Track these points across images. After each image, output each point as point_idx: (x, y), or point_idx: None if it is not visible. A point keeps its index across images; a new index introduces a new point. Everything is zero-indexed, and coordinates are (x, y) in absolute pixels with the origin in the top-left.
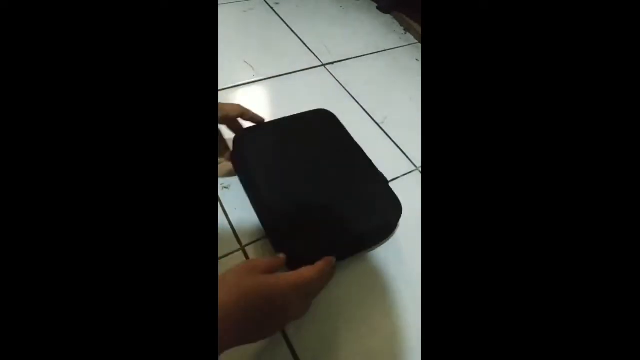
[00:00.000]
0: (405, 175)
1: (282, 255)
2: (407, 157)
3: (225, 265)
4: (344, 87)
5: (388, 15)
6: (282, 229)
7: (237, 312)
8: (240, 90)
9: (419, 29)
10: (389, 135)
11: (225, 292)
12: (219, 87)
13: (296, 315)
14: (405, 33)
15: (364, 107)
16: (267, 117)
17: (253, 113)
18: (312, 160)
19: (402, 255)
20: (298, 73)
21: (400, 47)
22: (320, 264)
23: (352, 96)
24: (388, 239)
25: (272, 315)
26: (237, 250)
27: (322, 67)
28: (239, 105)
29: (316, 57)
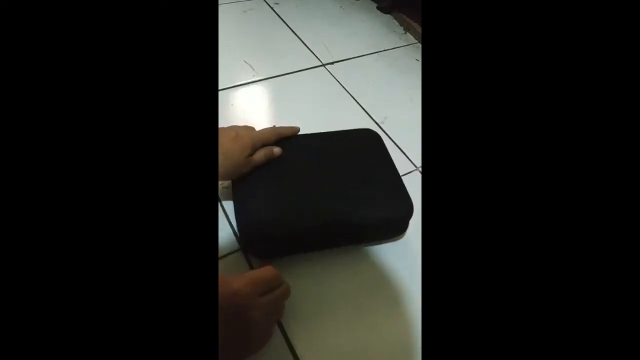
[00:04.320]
0: (405, 175)
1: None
2: (407, 157)
3: (225, 265)
4: (344, 87)
5: (388, 15)
6: (242, 204)
7: None
8: (240, 90)
9: (419, 29)
10: (389, 135)
11: None
12: (219, 87)
13: (264, 317)
14: (405, 33)
15: (364, 107)
16: (267, 117)
17: (285, 129)
18: (322, 168)
19: (402, 256)
20: (298, 73)
21: (400, 47)
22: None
23: (352, 96)
24: (395, 239)
25: (239, 320)
26: (237, 250)
27: (322, 67)
28: (274, 129)
29: (316, 57)
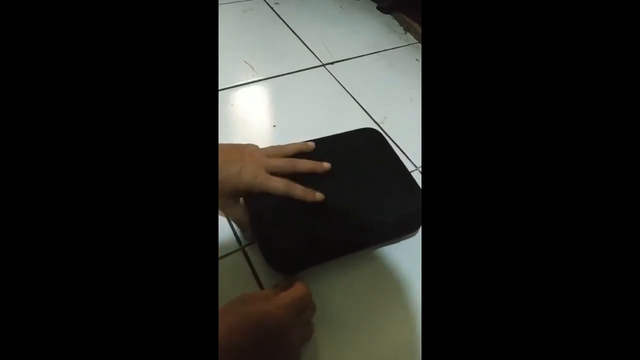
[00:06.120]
0: None
1: (278, 287)
2: (407, 157)
3: (225, 266)
4: (344, 87)
5: (388, 15)
6: (266, 224)
7: (230, 343)
8: (240, 90)
9: (419, 29)
10: (389, 135)
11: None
12: (219, 87)
13: (300, 339)
14: (405, 33)
15: (364, 107)
16: (267, 117)
17: (303, 165)
18: (331, 174)
19: (403, 257)
20: (298, 73)
21: (400, 47)
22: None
23: (352, 96)
24: (412, 234)
25: (271, 344)
26: (237, 250)
27: (322, 67)
28: (291, 161)
29: (316, 57)
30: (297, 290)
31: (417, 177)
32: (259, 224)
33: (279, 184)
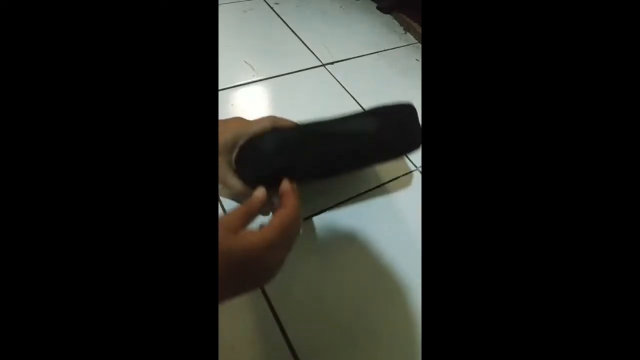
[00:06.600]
0: (405, 175)
1: (257, 194)
2: (407, 157)
3: None
4: (344, 87)
5: (388, 15)
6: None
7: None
8: (240, 90)
9: (419, 29)
10: None
11: None
12: (219, 87)
13: (280, 264)
14: (405, 33)
15: (364, 107)
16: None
17: (286, 120)
18: (322, 128)
19: (403, 257)
20: (298, 73)
21: (400, 47)
22: (290, 201)
23: (352, 96)
24: (412, 151)
25: (251, 277)
26: None
27: (322, 67)
28: (271, 119)
29: (316, 57)
30: (293, 213)
31: (418, 177)
32: (242, 162)
33: (263, 122)
